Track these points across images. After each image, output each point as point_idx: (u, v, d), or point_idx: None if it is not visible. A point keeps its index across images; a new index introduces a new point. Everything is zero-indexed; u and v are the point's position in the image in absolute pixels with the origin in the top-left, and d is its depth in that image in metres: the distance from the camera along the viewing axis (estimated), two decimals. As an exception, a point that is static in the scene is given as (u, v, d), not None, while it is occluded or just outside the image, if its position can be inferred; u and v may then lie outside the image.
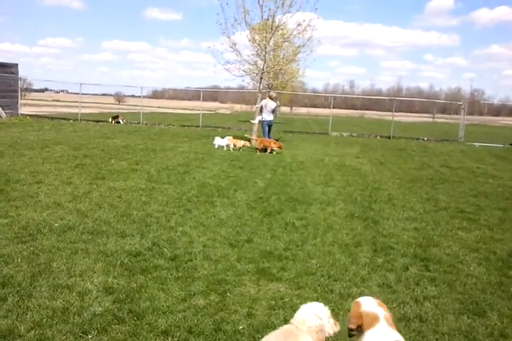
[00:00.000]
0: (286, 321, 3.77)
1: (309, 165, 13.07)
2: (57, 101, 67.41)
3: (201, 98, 32.13)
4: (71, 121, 25.96)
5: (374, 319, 2.67)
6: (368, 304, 2.76)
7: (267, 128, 17.53)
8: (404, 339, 3.57)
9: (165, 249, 5.41)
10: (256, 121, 18.25)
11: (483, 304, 4.36)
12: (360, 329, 2.70)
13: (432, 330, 3.79)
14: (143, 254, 5.22)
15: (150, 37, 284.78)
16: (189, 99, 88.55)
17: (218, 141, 16.63)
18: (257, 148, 16.03)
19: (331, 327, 2.97)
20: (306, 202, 8.31)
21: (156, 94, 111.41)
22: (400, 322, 3.89)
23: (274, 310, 4.04)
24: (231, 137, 16.57)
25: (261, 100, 18.19)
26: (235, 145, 16.20)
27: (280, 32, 19.41)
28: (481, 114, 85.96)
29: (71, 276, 4.50)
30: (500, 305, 4.36)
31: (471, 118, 46.09)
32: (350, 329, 2.74)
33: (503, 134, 33.74)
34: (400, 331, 3.67)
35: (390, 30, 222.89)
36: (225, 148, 16.19)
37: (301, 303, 4.12)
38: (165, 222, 6.58)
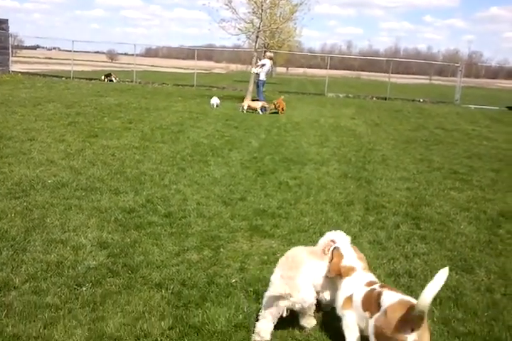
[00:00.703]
0: (278, 275, 3.86)
1: (304, 126, 13.00)
2: (49, 58, 65.81)
3: (196, 57, 31.50)
4: (63, 78, 25.51)
5: (351, 270, 3.02)
6: (348, 258, 3.07)
7: (262, 88, 17.30)
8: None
9: (159, 206, 5.44)
10: (256, 70, 17.81)
11: (471, 261, 4.45)
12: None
13: (420, 285, 3.87)
14: (137, 211, 5.25)
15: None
16: (183, 58, 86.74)
17: (215, 101, 16.48)
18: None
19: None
20: (301, 162, 8.32)
21: (150, 53, 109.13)
22: (390, 277, 3.98)
23: (266, 264, 4.11)
24: (248, 99, 16.31)
25: (257, 59, 17.83)
26: (250, 107, 15.72)
27: (277, -11, 18.83)
28: (478, 76, 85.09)
29: (65, 231, 4.54)
30: (488, 262, 4.45)
31: (467, 80, 45.63)
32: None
33: (500, 97, 33.55)
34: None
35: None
36: (216, 107, 16.13)
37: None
38: (159, 180, 6.59)
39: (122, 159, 7.64)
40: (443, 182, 7.47)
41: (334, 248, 3.15)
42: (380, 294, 2.66)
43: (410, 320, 2.39)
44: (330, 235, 3.41)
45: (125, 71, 34.67)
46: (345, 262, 3.06)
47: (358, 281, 2.94)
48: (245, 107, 15.61)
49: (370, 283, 2.87)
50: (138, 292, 3.50)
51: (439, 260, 4.41)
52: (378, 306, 2.60)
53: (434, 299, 3.55)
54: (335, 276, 3.09)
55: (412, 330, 2.38)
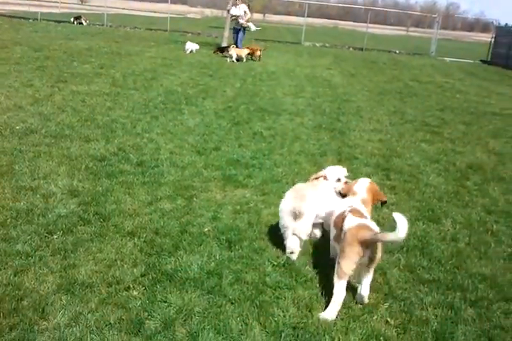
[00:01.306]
0: (250, 224, 3.93)
1: (280, 76, 12.79)
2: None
3: (169, 0, 30.11)
4: (30, 20, 24.13)
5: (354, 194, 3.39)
6: (360, 185, 3.43)
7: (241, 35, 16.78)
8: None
9: (131, 155, 5.35)
10: (254, 28, 17.29)
11: (438, 211, 4.59)
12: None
13: (388, 234, 3.99)
14: (108, 159, 5.16)
15: None
16: (157, 1, 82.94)
17: (190, 46, 16.04)
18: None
19: (339, 186, 3.70)
20: (275, 112, 8.24)
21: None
22: (359, 226, 4.07)
23: (239, 214, 4.14)
24: (234, 46, 15.64)
25: (232, 5, 17.14)
26: (238, 56, 15.15)
27: None
28: (454, 28, 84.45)
29: (34, 179, 4.45)
30: (454, 212, 4.60)
31: (444, 32, 45.30)
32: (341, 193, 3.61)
33: (475, 50, 33.47)
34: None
35: None
36: (192, 52, 15.76)
37: (265, 208, 4.28)
38: (131, 128, 6.45)
39: (93, 106, 7.42)
40: (415, 134, 7.55)
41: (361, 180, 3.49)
42: (345, 217, 3.07)
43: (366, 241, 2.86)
44: (327, 168, 3.85)
45: (96, 14, 32.95)
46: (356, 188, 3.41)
47: (346, 203, 3.30)
48: (234, 56, 15.04)
49: (353, 210, 3.14)
50: (110, 240, 3.50)
51: (408, 210, 4.52)
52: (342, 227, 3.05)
53: (401, 247, 3.70)
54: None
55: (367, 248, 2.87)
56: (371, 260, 2.92)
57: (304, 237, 3.52)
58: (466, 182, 5.53)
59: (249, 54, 15.65)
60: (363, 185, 3.42)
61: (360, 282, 2.99)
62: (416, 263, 3.55)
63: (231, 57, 14.99)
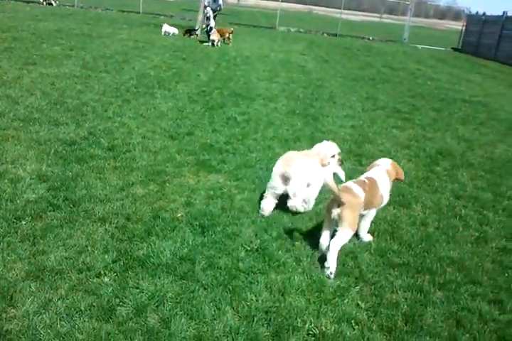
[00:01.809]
0: (223, 209, 3.92)
1: (254, 60, 12.69)
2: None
3: (141, -20, 29.32)
4: (-5, -1, 23.20)
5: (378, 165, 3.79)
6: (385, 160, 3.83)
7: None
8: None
9: (102, 139, 5.25)
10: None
11: (409, 197, 4.67)
12: None
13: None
14: (78, 143, 5.05)
15: None
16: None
17: (166, 28, 15.92)
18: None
19: (335, 162, 4.20)
20: (249, 97, 8.19)
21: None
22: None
23: (213, 199, 4.13)
24: (215, 30, 15.20)
25: None
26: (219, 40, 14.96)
27: None
28: (427, 16, 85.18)
29: (2, 163, 4.33)
30: (424, 197, 4.69)
31: (416, 19, 45.65)
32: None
33: (446, 37, 33.90)
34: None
35: None
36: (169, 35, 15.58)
37: (239, 193, 4.27)
38: (102, 111, 6.31)
39: (62, 89, 7.22)
40: (386, 120, 7.63)
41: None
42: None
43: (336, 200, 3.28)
44: (322, 145, 4.23)
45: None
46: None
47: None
48: (217, 41, 14.83)
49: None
50: (80, 226, 3.44)
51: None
52: None
53: (372, 232, 3.75)
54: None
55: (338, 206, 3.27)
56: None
57: (299, 197, 3.90)
58: (436, 167, 5.63)
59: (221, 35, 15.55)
60: (388, 161, 3.81)
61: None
62: (386, 247, 3.62)
63: (213, 41, 14.79)
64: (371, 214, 3.67)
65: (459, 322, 2.86)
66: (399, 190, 4.79)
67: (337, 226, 3.27)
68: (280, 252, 3.38)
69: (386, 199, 3.70)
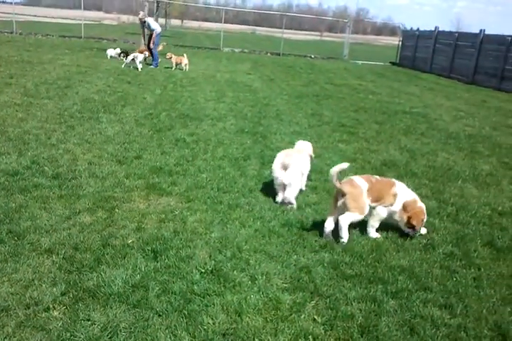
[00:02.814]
0: (176, 232, 3.88)
1: (201, 81, 12.76)
2: None
3: (82, 6, 29.04)
4: None
5: None
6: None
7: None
8: (287, 242, 3.87)
9: (46, 168, 5.10)
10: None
11: (357, 208, 4.76)
12: None
13: (311, 233, 4.09)
14: (21, 173, 4.88)
15: None
16: (69, 8, 79.79)
17: (110, 52, 15.97)
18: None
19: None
20: (198, 118, 8.21)
21: (32, 1, 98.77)
22: (284, 227, 4.15)
23: (164, 223, 4.08)
24: (171, 54, 15.14)
25: (146, 12, 16.78)
26: (178, 64, 14.95)
27: None
28: (365, 33, 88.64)
29: None
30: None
31: (355, 36, 47.43)
32: None
33: (384, 53, 35.32)
34: (282, 235, 3.96)
35: None
36: (119, 58, 15.54)
37: (191, 215, 4.24)
38: (45, 139, 6.15)
39: (3, 117, 7.00)
40: (332, 135, 7.83)
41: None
42: None
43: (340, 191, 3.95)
44: (301, 143, 5.30)
45: (4, 21, 31.08)
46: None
47: None
48: (174, 63, 14.90)
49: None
50: (26, 259, 3.30)
51: (328, 208, 4.66)
52: None
53: (324, 246, 3.81)
54: None
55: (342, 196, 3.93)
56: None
57: (294, 186, 4.62)
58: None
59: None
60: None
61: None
62: (339, 259, 3.67)
63: (176, 64, 14.92)
64: (379, 212, 4.12)
65: (412, 329, 2.93)
66: (348, 202, 4.89)
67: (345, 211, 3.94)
68: (235, 272, 3.37)
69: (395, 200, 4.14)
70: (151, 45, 15.56)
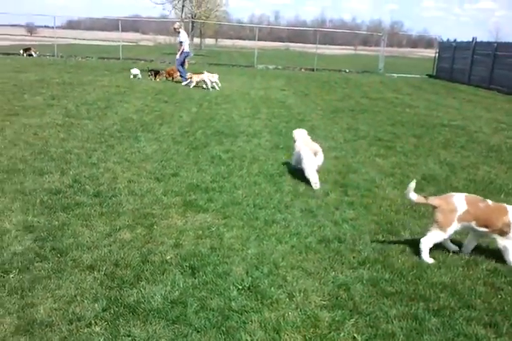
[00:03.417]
0: (213, 249, 3.91)
1: (235, 99, 12.93)
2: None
3: (120, 28, 30.11)
4: (-24, 54, 23.59)
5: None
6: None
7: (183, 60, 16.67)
8: (324, 259, 3.83)
9: (87, 186, 5.26)
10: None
11: (396, 224, 4.69)
12: None
13: (349, 250, 4.05)
14: (64, 192, 5.04)
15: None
16: (108, 30, 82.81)
17: (135, 71, 16.30)
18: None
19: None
20: (233, 135, 8.30)
21: (72, 25, 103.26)
22: (320, 243, 4.11)
23: (201, 239, 4.12)
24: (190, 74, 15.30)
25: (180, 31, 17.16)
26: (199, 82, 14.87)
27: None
28: (400, 45, 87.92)
29: (-14, 217, 4.29)
30: (412, 224, 4.71)
31: (390, 49, 47.16)
32: None
33: (420, 65, 34.90)
34: (319, 251, 3.93)
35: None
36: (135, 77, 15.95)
37: (227, 232, 4.27)
38: (86, 158, 6.35)
39: (46, 138, 7.28)
40: (369, 149, 7.75)
41: None
42: None
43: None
44: (297, 132, 6.51)
45: (45, 45, 32.57)
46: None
47: None
48: (194, 82, 14.89)
49: None
50: (69, 275, 3.39)
51: (367, 224, 4.61)
52: None
53: (363, 263, 3.76)
54: None
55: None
56: None
57: (314, 175, 5.71)
58: (421, 193, 5.66)
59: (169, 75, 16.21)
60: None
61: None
62: (378, 276, 3.61)
63: (191, 82, 14.96)
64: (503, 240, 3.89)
65: (456, 348, 2.84)
66: (386, 217, 4.83)
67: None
68: (272, 289, 3.36)
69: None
70: (177, 56, 15.98)
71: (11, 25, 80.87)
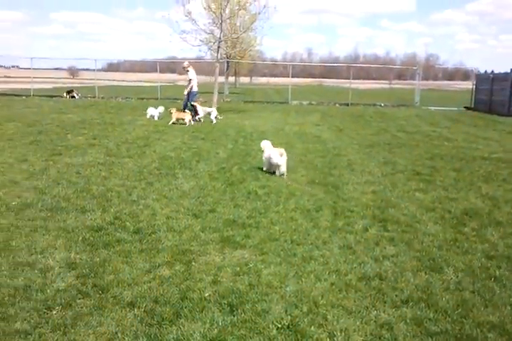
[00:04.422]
0: (251, 286, 3.88)
1: (270, 135, 13.07)
2: (8, 77, 63.99)
3: (158, 69, 31.39)
4: (23, 97, 24.94)
5: None
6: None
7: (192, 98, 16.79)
8: (365, 297, 3.75)
9: (127, 223, 5.36)
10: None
11: (439, 260, 4.55)
12: None
13: (391, 287, 3.95)
14: (105, 229, 5.16)
15: (101, 6, 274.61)
16: (146, 71, 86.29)
17: (151, 111, 16.30)
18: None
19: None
20: (268, 170, 8.36)
21: (112, 67, 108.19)
22: (361, 281, 4.03)
23: (239, 276, 4.10)
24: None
25: (220, 70, 17.69)
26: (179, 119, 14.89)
27: (236, -1, 19.06)
28: (435, 78, 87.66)
29: (31, 254, 4.42)
30: (455, 260, 4.56)
31: (426, 83, 47.13)
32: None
33: (457, 98, 34.57)
34: (360, 289, 3.85)
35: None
36: (156, 118, 15.94)
37: (265, 268, 4.25)
38: (126, 195, 6.51)
39: (87, 176, 7.52)
40: (407, 183, 7.64)
41: None
42: None
43: None
44: (264, 142, 8.37)
45: (87, 87, 34.19)
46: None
47: None
48: (175, 118, 14.85)
49: None
50: (110, 312, 3.43)
51: (408, 261, 4.50)
52: None
53: (406, 301, 3.65)
54: None
55: None
56: None
57: (284, 168, 7.87)
58: (464, 228, 5.53)
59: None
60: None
61: None
62: (422, 315, 3.48)
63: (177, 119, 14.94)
64: None
65: None
66: (429, 254, 4.70)
67: None
68: (312, 328, 3.29)
69: None
70: (185, 92, 16.24)
71: (55, 68, 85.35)
